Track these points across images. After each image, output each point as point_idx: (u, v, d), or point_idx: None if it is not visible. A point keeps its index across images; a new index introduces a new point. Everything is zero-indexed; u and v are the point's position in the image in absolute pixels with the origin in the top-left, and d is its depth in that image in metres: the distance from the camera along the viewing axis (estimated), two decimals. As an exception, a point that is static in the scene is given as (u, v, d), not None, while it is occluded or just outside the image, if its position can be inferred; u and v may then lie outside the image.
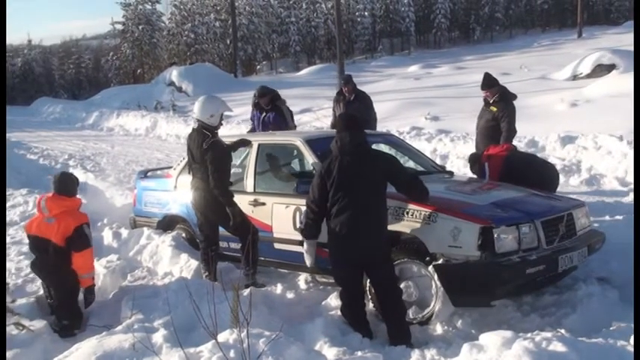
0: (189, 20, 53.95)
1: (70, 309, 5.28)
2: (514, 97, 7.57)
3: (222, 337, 3.88)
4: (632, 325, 4.40)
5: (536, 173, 6.57)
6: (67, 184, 5.52)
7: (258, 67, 53.84)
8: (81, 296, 5.40)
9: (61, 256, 5.30)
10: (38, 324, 5.03)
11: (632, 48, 20.80)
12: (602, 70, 18.65)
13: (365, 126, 8.99)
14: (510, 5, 54.40)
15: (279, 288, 5.59)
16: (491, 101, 7.46)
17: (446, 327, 4.85)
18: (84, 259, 5.36)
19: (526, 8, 56.22)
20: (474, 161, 6.93)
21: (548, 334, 3.64)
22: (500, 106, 7.37)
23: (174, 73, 33.65)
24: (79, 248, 5.30)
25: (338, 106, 9.11)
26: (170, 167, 7.73)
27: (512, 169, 6.49)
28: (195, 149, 5.93)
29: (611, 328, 4.44)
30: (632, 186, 8.72)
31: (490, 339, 3.64)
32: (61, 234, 5.28)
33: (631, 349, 3.56)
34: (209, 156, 5.78)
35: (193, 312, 4.04)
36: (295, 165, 6.81)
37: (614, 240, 5.78)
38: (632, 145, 9.72)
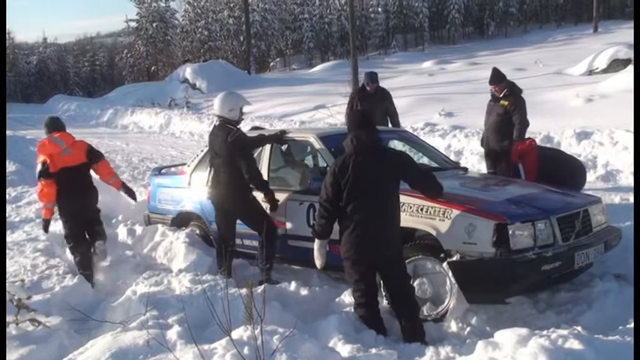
0: (203, 17, 54.10)
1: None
2: (520, 90, 7.57)
3: (236, 333, 3.88)
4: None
5: (569, 170, 6.67)
6: (62, 123, 6.62)
7: (272, 63, 53.88)
8: None
9: (89, 174, 6.56)
10: (54, 320, 5.06)
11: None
12: (618, 64, 18.46)
13: (394, 121, 9.15)
14: (525, 0, 54.00)
15: (292, 285, 5.57)
16: (500, 95, 7.43)
17: (460, 324, 4.82)
18: (105, 165, 6.72)
19: (541, 3, 55.78)
20: (496, 159, 6.96)
21: (565, 332, 3.60)
22: (510, 100, 7.35)
23: (187, 71, 33.74)
24: (99, 158, 6.59)
25: (360, 101, 9.03)
26: (184, 164, 7.75)
27: (546, 166, 6.52)
28: (220, 144, 5.95)
29: (627, 326, 4.38)
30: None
31: (505, 336, 3.61)
32: (81, 157, 6.40)
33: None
34: (238, 149, 5.82)
35: (207, 309, 4.06)
36: (308, 161, 6.81)
37: (630, 236, 5.71)
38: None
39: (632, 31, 32.51)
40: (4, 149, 6.57)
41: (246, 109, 6.45)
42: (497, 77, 7.49)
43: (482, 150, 8.41)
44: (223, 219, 6.05)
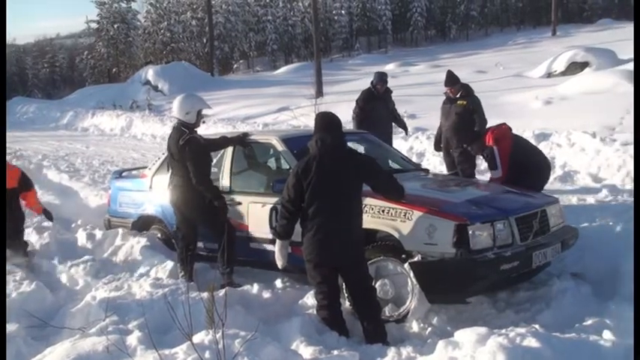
0: (165, 19, 53.62)
1: None
2: (473, 91, 7.78)
3: (197, 338, 3.85)
4: (606, 320, 4.47)
5: (538, 160, 6.93)
6: None
7: (235, 65, 53.64)
8: None
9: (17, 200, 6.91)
10: (11, 327, 4.94)
11: (604, 46, 21.13)
12: (576, 67, 18.89)
13: (400, 121, 9.29)
14: (486, 3, 54.80)
15: (255, 288, 5.54)
16: (458, 96, 7.59)
17: (422, 324, 4.86)
18: (33, 196, 7.11)
19: (501, 6, 56.67)
20: (476, 145, 7.01)
21: (522, 330, 3.67)
22: (468, 100, 7.52)
23: (150, 72, 33.40)
24: (29, 188, 7.01)
25: (369, 102, 8.79)
26: (145, 167, 7.67)
27: (519, 152, 6.75)
28: (174, 146, 5.92)
29: (584, 324, 4.48)
30: (606, 182, 8.84)
31: (465, 335, 3.66)
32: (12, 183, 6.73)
33: (604, 343, 3.60)
34: (187, 152, 5.77)
35: (168, 313, 4.02)
36: (271, 163, 6.80)
37: (587, 235, 5.85)
38: (604, 141, 9.84)
39: (589, 35, 33.33)
40: (4, 150, 6.49)
41: (208, 111, 6.41)
42: (452, 79, 7.67)
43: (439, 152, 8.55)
44: (183, 222, 6.01)
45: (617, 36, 28.93)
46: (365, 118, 8.59)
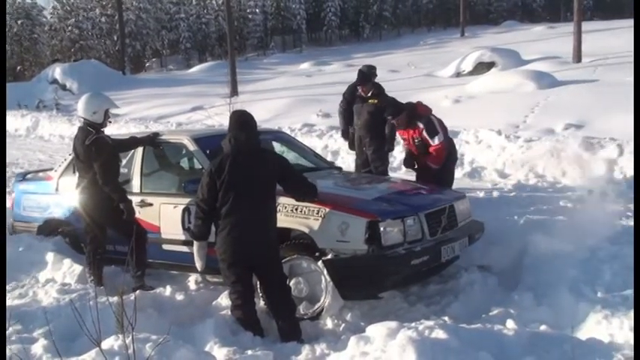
0: (73, 15, 51.73)
1: None
2: (384, 89, 7.87)
3: (106, 343, 3.74)
4: (510, 310, 4.67)
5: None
6: None
7: (148, 64, 52.41)
8: None
9: None
10: None
11: (509, 47, 22.01)
12: (483, 67, 19.57)
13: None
14: (398, 4, 55.87)
15: (168, 290, 5.45)
16: (369, 95, 7.68)
17: (336, 321, 4.91)
18: None
19: (413, 8, 57.92)
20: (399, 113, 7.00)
21: (431, 323, 3.76)
22: (380, 98, 7.62)
23: (57, 71, 32.14)
24: None
25: (356, 98, 8.03)
26: (51, 169, 7.38)
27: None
28: (80, 147, 5.74)
29: (490, 314, 4.68)
30: (511, 178, 9.22)
31: (376, 330, 3.72)
32: None
33: (507, 332, 3.76)
34: (93, 153, 5.61)
35: (76, 319, 3.89)
36: (183, 163, 6.69)
37: (493, 229, 6.07)
38: (508, 138, 10.26)
39: (495, 36, 34.59)
40: (4, 145, 6.00)
41: (118, 111, 6.24)
42: (364, 78, 7.73)
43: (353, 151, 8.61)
44: (91, 225, 5.83)
45: (520, 37, 30.26)
46: (352, 112, 8.09)
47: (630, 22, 30.90)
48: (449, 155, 6.95)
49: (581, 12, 21.67)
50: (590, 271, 5.02)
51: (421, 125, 6.77)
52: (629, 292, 4.55)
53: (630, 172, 8.49)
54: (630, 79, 14.52)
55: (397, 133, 7.49)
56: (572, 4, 21.59)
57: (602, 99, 12.61)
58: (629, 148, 8.89)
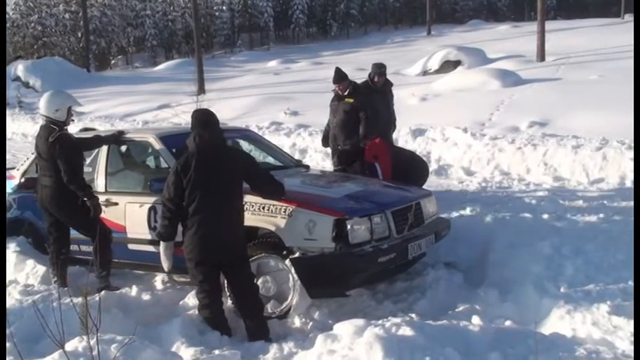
0: (36, 11, 50.78)
1: None
2: (361, 88, 7.81)
3: (70, 345, 3.69)
4: (475, 306, 4.73)
5: (418, 168, 7.32)
6: None
7: (113, 61, 51.67)
8: None
9: None
10: None
11: (474, 45, 22.23)
12: (449, 66, 19.73)
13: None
14: (365, 3, 56.02)
15: (134, 290, 5.39)
16: (346, 93, 7.60)
17: (304, 319, 4.91)
18: None
19: (379, 6, 58.13)
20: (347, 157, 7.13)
21: (398, 320, 3.79)
22: (355, 98, 7.55)
23: (19, 68, 31.62)
24: None
25: (366, 96, 7.80)
26: (13, 168, 7.24)
27: (399, 164, 7.00)
28: (42, 145, 5.63)
29: (456, 310, 4.74)
30: (477, 175, 9.33)
31: (343, 328, 3.73)
32: None
33: (472, 328, 3.80)
34: (57, 150, 5.51)
35: (39, 321, 3.82)
36: (149, 162, 6.62)
37: (459, 226, 6.14)
38: (474, 136, 10.37)
39: (461, 35, 34.87)
40: (4, 145, 5.79)
41: (82, 109, 6.15)
42: (340, 76, 7.67)
43: (326, 147, 8.59)
44: (55, 225, 5.73)
45: (485, 36, 30.56)
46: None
47: (593, 22, 31.63)
48: (418, 176, 7.16)
49: (545, 11, 22.02)
50: (553, 267, 5.11)
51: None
52: (591, 287, 4.66)
53: (592, 169, 8.66)
54: (593, 77, 14.86)
55: None
56: (536, 4, 21.91)
57: (566, 97, 12.82)
58: (591, 146, 9.06)
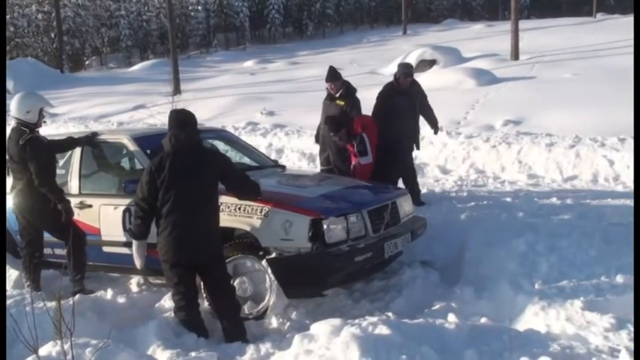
0: (8, 12, 50.06)
1: None
2: (355, 90, 7.73)
3: (44, 350, 3.65)
4: (451, 304, 4.76)
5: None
6: None
7: (87, 62, 51.19)
8: None
9: None
10: None
11: (450, 44, 22.37)
12: (425, 65, 19.78)
13: (431, 116, 8.21)
14: (340, 2, 56.11)
15: (109, 293, 5.35)
16: (337, 95, 7.52)
17: (281, 320, 4.89)
18: None
19: (355, 5, 58.27)
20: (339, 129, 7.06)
21: (375, 319, 3.80)
22: (347, 101, 7.46)
23: (-9, 69, 31.12)
24: None
25: (390, 99, 7.67)
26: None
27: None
28: (13, 147, 5.56)
29: (432, 308, 4.77)
30: (453, 174, 9.39)
31: (320, 328, 3.74)
32: None
33: (448, 326, 3.83)
34: (28, 153, 5.44)
35: (12, 326, 3.77)
36: (124, 164, 6.56)
37: (435, 225, 6.16)
38: (450, 135, 10.43)
39: (436, 34, 35.10)
40: (4, 146, 5.65)
41: (54, 110, 6.08)
42: (333, 75, 7.60)
43: (302, 147, 8.58)
44: (27, 228, 5.66)
45: (460, 35, 30.78)
46: (384, 116, 7.55)
47: (566, 21, 32.01)
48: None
49: (518, 11, 22.23)
50: (528, 264, 5.15)
51: (354, 143, 6.96)
52: (565, 283, 4.71)
53: (566, 166, 8.76)
54: (567, 75, 15.04)
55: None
56: (510, 3, 22.12)
57: (540, 95, 12.95)
58: (565, 144, 9.17)
